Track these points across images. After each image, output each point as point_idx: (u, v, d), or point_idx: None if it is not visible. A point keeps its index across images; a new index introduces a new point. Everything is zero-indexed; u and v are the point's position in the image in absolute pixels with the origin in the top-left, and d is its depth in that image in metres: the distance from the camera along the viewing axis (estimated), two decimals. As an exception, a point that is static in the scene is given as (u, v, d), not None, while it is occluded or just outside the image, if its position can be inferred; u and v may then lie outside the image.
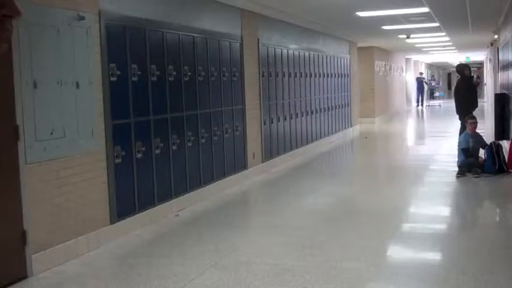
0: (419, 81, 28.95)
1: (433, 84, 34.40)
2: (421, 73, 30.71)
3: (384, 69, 20.95)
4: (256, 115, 9.05)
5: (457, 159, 8.54)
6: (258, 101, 9.15)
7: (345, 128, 14.81)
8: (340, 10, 9.90)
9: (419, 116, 24.34)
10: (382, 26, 12.59)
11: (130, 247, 5.24)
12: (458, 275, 4.17)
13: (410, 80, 28.58)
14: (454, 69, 14.12)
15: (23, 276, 4.37)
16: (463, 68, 10.33)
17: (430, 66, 38.22)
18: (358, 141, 14.61)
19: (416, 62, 30.95)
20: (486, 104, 21.16)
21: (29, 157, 4.40)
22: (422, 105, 28.36)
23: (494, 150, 8.23)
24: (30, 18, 4.42)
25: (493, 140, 9.10)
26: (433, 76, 38.17)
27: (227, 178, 7.90)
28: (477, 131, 8.78)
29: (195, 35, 7.09)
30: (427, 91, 30.47)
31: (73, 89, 4.88)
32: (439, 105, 28.14)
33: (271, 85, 9.70)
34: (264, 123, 9.36)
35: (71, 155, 4.85)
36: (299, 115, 11.13)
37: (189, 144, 6.89)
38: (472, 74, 12.08)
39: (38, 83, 4.48)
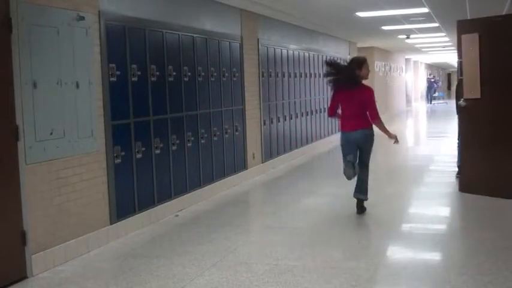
0: (430, 82, 32.05)
1: (435, 85, 35.49)
2: (430, 74, 33.99)
3: (383, 69, 20.96)
4: (256, 115, 9.05)
5: (456, 160, 8.53)
6: (258, 101, 9.15)
7: (345, 128, 14.78)
8: (340, 10, 9.90)
9: (419, 116, 24.34)
10: (382, 26, 12.60)
11: (130, 247, 5.24)
12: (458, 275, 4.17)
13: (410, 80, 28.74)
14: (454, 69, 14.06)
15: (22, 276, 4.37)
16: None
17: (430, 66, 38.24)
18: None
19: (416, 62, 31.03)
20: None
21: (29, 157, 4.40)
22: (430, 102, 31.37)
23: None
24: (30, 19, 4.42)
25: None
26: (434, 76, 38.30)
27: (227, 178, 7.91)
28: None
29: (195, 35, 7.10)
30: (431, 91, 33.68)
31: (73, 89, 4.88)
32: (446, 103, 30.73)
33: (271, 85, 9.71)
34: (264, 123, 9.37)
35: (70, 155, 4.85)
36: (299, 115, 11.13)
37: (189, 144, 6.89)
38: None
39: (38, 83, 4.48)
